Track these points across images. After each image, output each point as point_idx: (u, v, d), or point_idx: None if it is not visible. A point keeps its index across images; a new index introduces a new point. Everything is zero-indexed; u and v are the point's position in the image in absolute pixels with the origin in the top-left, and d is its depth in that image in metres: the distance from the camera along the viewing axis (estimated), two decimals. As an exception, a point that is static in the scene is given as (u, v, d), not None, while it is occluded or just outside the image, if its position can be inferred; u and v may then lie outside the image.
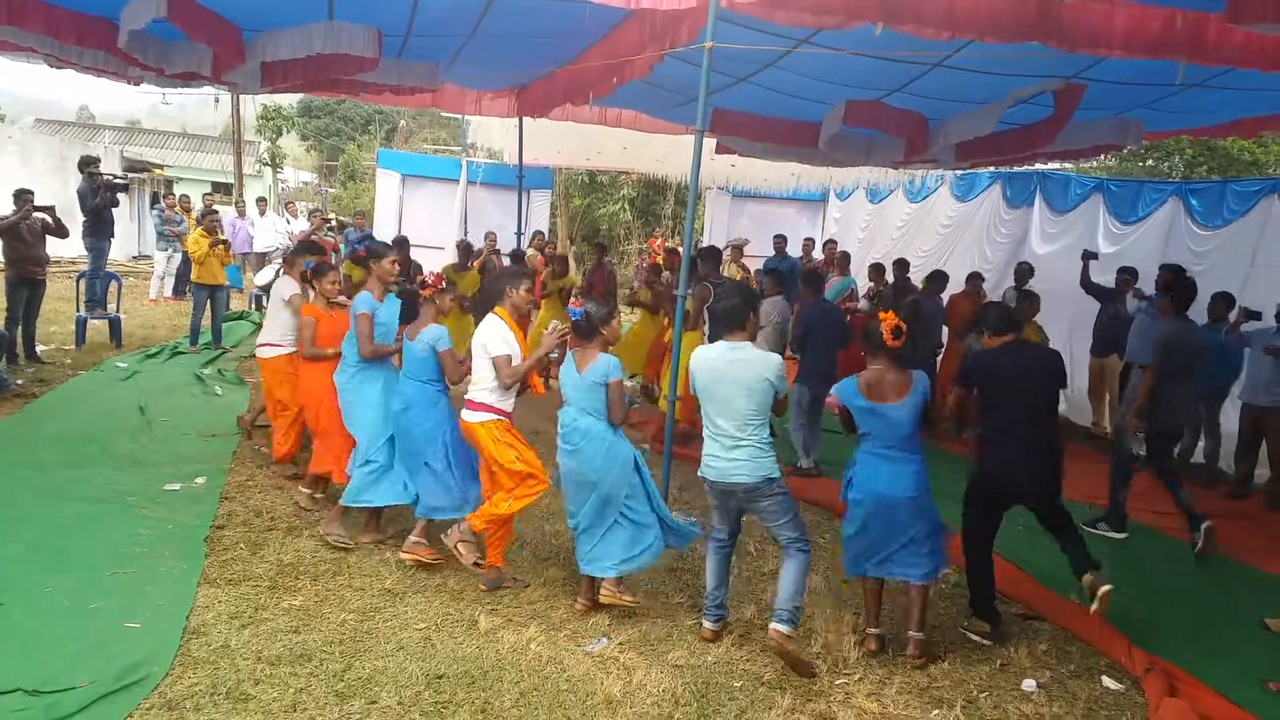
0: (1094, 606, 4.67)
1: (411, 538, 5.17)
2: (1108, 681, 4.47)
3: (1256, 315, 7.44)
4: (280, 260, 7.81)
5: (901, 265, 10.64)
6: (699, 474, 4.51)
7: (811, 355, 7.64)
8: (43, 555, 4.93)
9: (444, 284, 5.38)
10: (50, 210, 9.37)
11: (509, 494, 4.83)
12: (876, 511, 4.49)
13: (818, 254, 13.30)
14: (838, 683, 4.24)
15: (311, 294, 6.19)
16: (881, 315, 4.54)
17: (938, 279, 9.79)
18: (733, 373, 4.32)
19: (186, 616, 4.37)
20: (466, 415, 4.89)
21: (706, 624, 4.63)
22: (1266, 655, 4.86)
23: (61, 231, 9.53)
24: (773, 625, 4.25)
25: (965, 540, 4.88)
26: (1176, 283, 6.61)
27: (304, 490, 5.98)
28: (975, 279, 10.13)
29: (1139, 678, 4.46)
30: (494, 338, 4.86)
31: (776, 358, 4.46)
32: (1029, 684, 4.37)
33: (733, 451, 4.32)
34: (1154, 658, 4.60)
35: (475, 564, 4.90)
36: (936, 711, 4.08)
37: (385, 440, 5.35)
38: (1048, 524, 4.95)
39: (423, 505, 5.21)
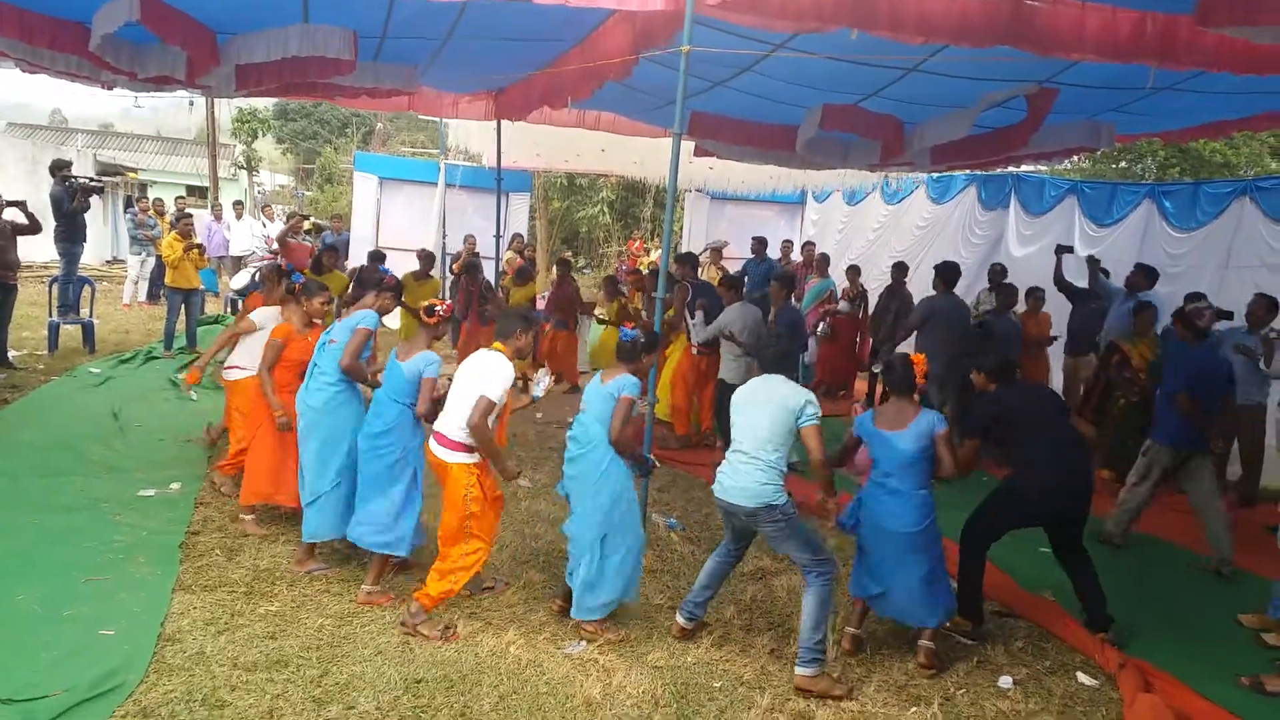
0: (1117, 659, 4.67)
1: (365, 586, 4.81)
2: (1083, 678, 4.52)
3: (1228, 315, 7.54)
4: (255, 270, 7.43)
5: (900, 269, 10.64)
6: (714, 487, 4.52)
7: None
8: (15, 563, 4.88)
9: (450, 311, 5.04)
10: (22, 205, 9.28)
11: (449, 564, 4.46)
12: (875, 539, 4.56)
13: (796, 256, 13.36)
14: (816, 682, 4.26)
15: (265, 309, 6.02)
16: (915, 358, 4.62)
17: (1008, 293, 8.74)
18: (762, 396, 4.41)
19: (161, 623, 4.34)
20: (440, 451, 4.49)
21: (679, 619, 4.65)
22: (1238, 650, 4.93)
23: (34, 226, 9.42)
24: (796, 669, 4.21)
25: (968, 540, 4.92)
26: (942, 267, 8.59)
27: (246, 517, 5.66)
28: (1036, 293, 9.25)
29: (1113, 674, 4.52)
30: (494, 374, 4.45)
31: (804, 394, 4.42)
32: (1005, 681, 4.41)
33: (741, 472, 4.35)
34: (1126, 656, 4.66)
35: (446, 629, 4.50)
36: (914, 709, 4.11)
37: (338, 471, 5.07)
38: (1066, 552, 4.99)
39: (356, 533, 4.89)
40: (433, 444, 4.54)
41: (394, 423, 4.83)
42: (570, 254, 13.66)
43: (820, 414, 4.40)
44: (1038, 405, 5.04)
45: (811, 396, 4.44)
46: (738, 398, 4.55)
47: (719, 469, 4.48)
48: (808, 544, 4.34)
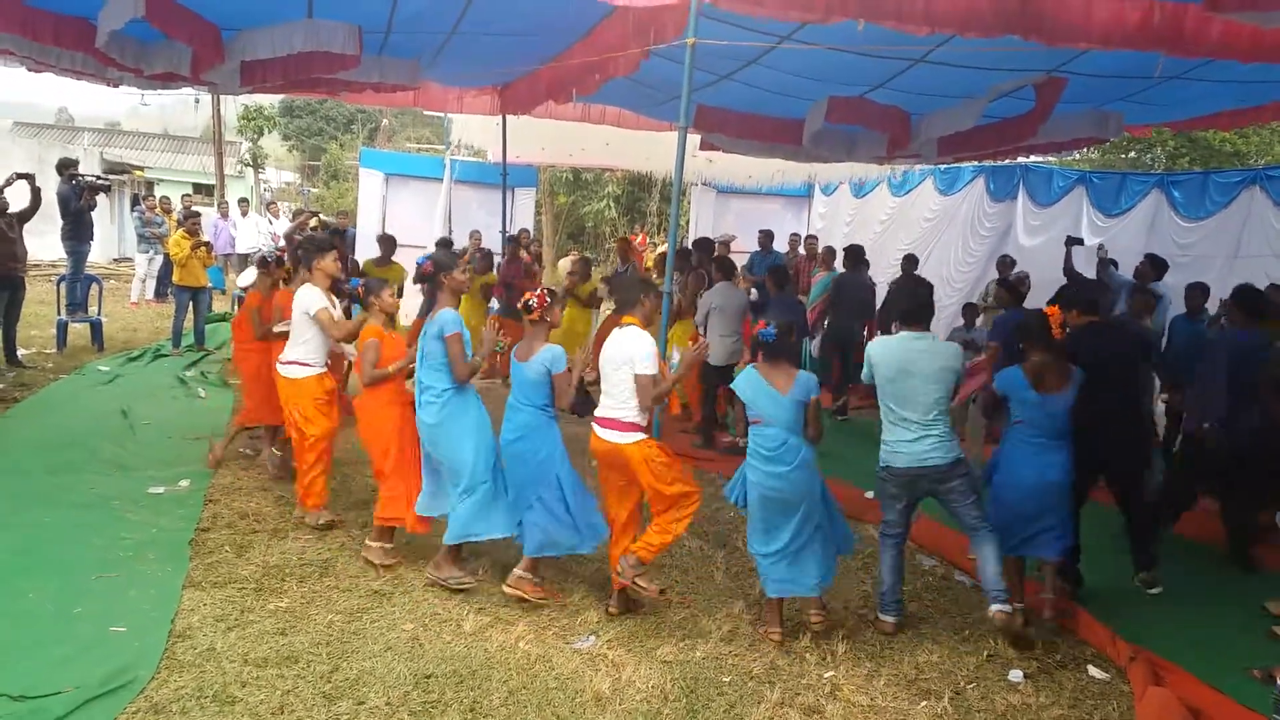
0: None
1: (517, 571, 4.75)
2: (1093, 671, 4.50)
3: None
4: (266, 262, 6.99)
5: (910, 261, 10.56)
6: (882, 462, 4.65)
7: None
8: (26, 560, 4.89)
9: (548, 299, 4.77)
10: (30, 177, 9.30)
11: (669, 518, 4.56)
12: (1027, 497, 4.76)
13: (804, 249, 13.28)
14: (826, 675, 4.26)
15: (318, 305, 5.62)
16: (1049, 310, 4.79)
17: (1143, 297, 7.58)
18: (920, 363, 4.49)
19: (172, 620, 4.34)
20: (611, 436, 4.54)
21: (885, 618, 4.77)
22: (1249, 642, 4.90)
23: (35, 201, 9.43)
24: (993, 608, 4.47)
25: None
26: (850, 249, 9.78)
27: (374, 544, 5.18)
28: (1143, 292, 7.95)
29: (1124, 667, 4.50)
30: (642, 353, 4.50)
31: (956, 346, 4.69)
32: (1015, 674, 4.39)
33: (923, 439, 4.51)
34: (1138, 647, 4.63)
35: (660, 592, 4.65)
36: (924, 703, 4.10)
37: (489, 467, 4.82)
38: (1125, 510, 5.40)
39: (532, 542, 4.73)
40: (601, 432, 4.57)
41: (526, 427, 4.72)
42: (527, 234, 13.50)
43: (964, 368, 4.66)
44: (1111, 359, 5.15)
45: (959, 355, 4.61)
46: (886, 361, 4.58)
47: (890, 441, 4.60)
48: (981, 501, 4.64)
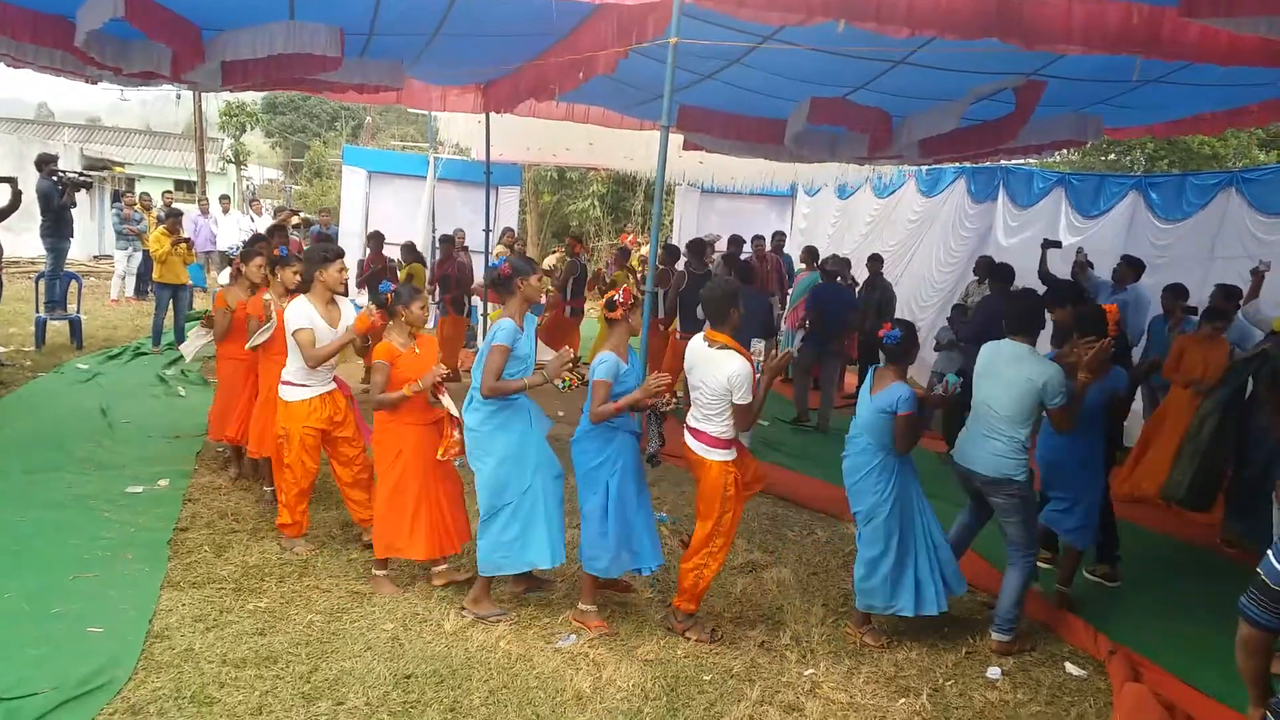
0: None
1: (582, 605, 4.58)
2: (1071, 668, 4.54)
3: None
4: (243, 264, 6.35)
5: (876, 260, 10.59)
6: (950, 451, 4.84)
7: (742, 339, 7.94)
8: (2, 560, 4.86)
9: (632, 301, 4.52)
10: (12, 181, 9.21)
11: (699, 560, 4.46)
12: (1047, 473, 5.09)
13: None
14: (806, 673, 4.28)
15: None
16: (1108, 308, 4.89)
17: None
18: (1003, 366, 4.59)
19: (150, 620, 4.32)
20: (699, 449, 4.43)
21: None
22: (1225, 639, 4.94)
23: (15, 201, 9.31)
24: (995, 636, 4.62)
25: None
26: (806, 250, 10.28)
27: (379, 573, 4.88)
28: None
29: (1103, 662, 4.54)
30: (742, 382, 4.28)
31: (1053, 369, 4.51)
32: (993, 671, 4.43)
33: (978, 443, 4.60)
34: (1117, 643, 4.68)
35: (712, 632, 4.57)
36: (903, 700, 4.13)
37: (520, 491, 4.48)
38: None
39: (587, 558, 4.53)
40: (690, 441, 4.50)
41: (583, 429, 4.51)
42: (512, 233, 13.54)
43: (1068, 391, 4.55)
44: None
45: (1057, 376, 4.50)
46: (979, 363, 4.70)
47: (960, 435, 4.71)
48: (1029, 527, 4.64)
